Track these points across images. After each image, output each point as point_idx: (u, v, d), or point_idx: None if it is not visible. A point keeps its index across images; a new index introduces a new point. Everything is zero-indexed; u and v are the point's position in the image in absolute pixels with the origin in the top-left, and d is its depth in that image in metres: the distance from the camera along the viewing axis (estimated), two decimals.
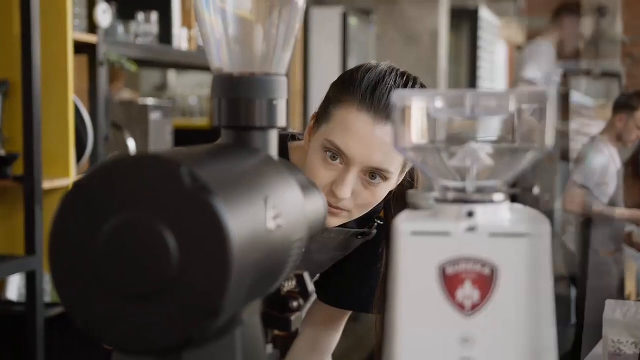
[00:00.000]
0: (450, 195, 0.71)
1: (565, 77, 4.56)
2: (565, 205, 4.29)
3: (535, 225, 0.68)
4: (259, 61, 0.83)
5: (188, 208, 0.61)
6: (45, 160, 2.45)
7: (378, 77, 1.25)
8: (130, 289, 0.61)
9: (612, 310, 1.99)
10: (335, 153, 1.24)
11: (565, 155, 4.80)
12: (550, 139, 0.70)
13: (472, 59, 7.28)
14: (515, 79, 4.52)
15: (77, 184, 0.63)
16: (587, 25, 4.68)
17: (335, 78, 1.35)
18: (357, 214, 1.30)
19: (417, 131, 0.72)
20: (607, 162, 4.33)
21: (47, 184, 2.44)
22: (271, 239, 0.69)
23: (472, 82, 7.31)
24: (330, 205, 1.25)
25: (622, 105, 4.34)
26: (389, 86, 1.24)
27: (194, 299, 0.60)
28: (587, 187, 4.25)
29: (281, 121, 0.83)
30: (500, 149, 0.72)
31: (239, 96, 0.81)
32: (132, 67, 2.76)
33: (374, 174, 1.25)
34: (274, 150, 0.83)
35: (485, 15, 7.38)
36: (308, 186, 0.86)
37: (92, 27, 2.67)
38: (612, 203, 4.31)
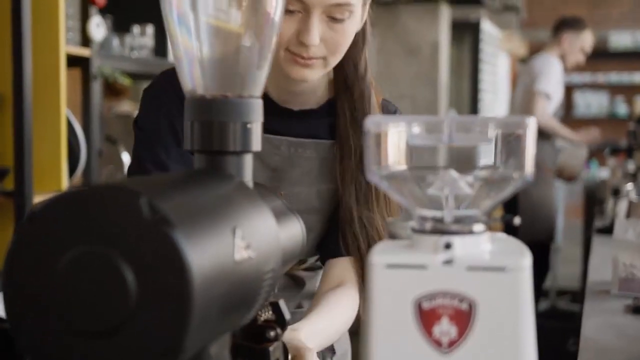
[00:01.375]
0: (428, 225, 0.68)
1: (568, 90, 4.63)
2: (535, 115, 4.37)
3: (516, 258, 0.65)
4: (232, 83, 0.80)
5: (147, 241, 0.58)
6: (36, 175, 2.42)
7: None
8: (85, 324, 0.58)
9: (623, 229, 1.87)
10: (291, 2, 1.19)
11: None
12: (530, 168, 0.67)
13: (473, 71, 7.26)
14: (526, 89, 4.49)
15: (33, 213, 0.60)
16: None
17: None
18: (333, 61, 1.25)
19: (392, 158, 0.69)
20: (561, 76, 4.45)
21: (38, 199, 2.41)
22: (240, 270, 0.66)
23: (474, 94, 7.28)
24: (301, 56, 1.22)
25: (569, 25, 4.43)
26: None
27: (152, 337, 0.57)
28: (550, 98, 4.36)
29: (256, 145, 0.80)
30: (480, 177, 0.68)
31: (212, 119, 0.78)
32: (126, 81, 2.73)
33: (337, 11, 1.20)
34: (248, 175, 0.80)
35: (487, 27, 7.36)
36: (284, 212, 0.83)
37: (86, 41, 2.65)
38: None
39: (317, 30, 1.20)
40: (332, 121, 1.34)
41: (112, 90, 3.63)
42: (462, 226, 0.67)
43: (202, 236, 0.61)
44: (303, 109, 1.35)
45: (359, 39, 1.31)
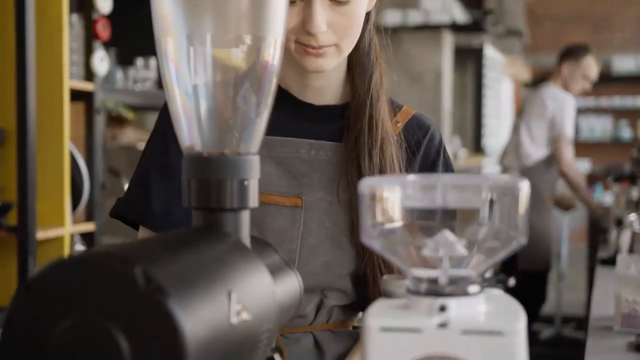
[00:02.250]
0: (423, 286, 0.68)
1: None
2: (564, 166, 4.36)
3: (511, 321, 0.65)
4: (230, 140, 0.81)
5: (142, 310, 0.58)
6: (40, 209, 2.43)
7: None
8: None
9: (625, 265, 1.85)
10: None
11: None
12: (524, 231, 0.67)
13: (477, 96, 7.28)
14: (549, 134, 4.47)
15: (29, 283, 0.61)
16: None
17: None
18: (347, 46, 1.19)
19: (386, 219, 0.69)
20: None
21: (41, 234, 2.41)
22: (236, 333, 0.66)
23: (477, 120, 7.29)
24: (312, 46, 1.16)
25: (568, 54, 4.46)
26: None
27: None
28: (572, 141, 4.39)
29: (253, 202, 0.81)
30: (474, 238, 0.69)
31: (209, 177, 0.79)
32: (129, 115, 2.75)
33: None
34: (245, 231, 0.80)
35: (490, 53, 7.39)
36: (280, 267, 0.83)
37: (90, 75, 2.67)
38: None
39: (321, 17, 1.14)
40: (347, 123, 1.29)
41: (116, 118, 3.65)
42: (457, 288, 0.67)
43: (197, 303, 0.61)
44: (323, 104, 1.29)
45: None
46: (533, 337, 5.07)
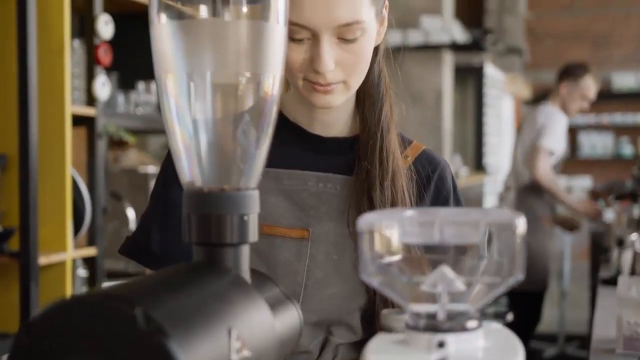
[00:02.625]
0: (421, 322, 0.69)
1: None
2: (536, 174, 4.32)
3: (510, 357, 0.65)
4: (230, 175, 0.82)
5: (142, 351, 0.59)
6: (41, 235, 2.43)
7: None
8: None
9: (626, 286, 1.84)
10: (296, 31, 1.12)
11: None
12: (521, 267, 0.67)
13: (478, 115, 7.29)
14: (531, 143, 4.50)
15: (29, 324, 0.61)
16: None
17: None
18: (355, 82, 1.19)
19: (384, 255, 0.70)
20: (565, 129, 4.46)
21: (43, 260, 2.42)
22: None
23: (478, 138, 7.31)
24: (319, 84, 1.16)
25: (567, 74, 4.46)
26: None
27: None
28: (553, 154, 4.36)
29: (253, 236, 0.81)
30: (473, 274, 0.69)
31: (210, 212, 0.79)
32: (130, 139, 2.76)
33: (347, 32, 1.13)
34: (245, 266, 0.80)
35: (490, 71, 7.41)
36: (280, 300, 0.84)
37: (91, 100, 2.68)
38: (554, 170, 4.47)
39: (329, 55, 1.13)
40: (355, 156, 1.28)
41: (119, 141, 3.66)
42: (456, 323, 0.68)
43: (197, 342, 0.62)
44: (332, 136, 1.29)
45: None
46: (536, 356, 5.05)
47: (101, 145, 2.68)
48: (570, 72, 4.50)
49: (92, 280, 2.71)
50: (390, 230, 0.70)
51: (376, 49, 1.25)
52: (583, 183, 9.89)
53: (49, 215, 2.48)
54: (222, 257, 0.79)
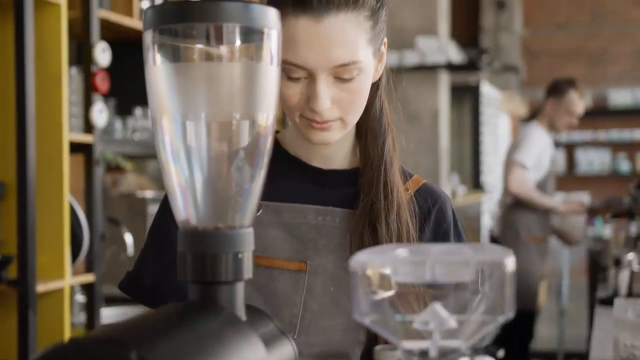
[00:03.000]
0: (414, 359, 0.70)
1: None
2: (509, 187, 4.33)
3: None
4: (225, 213, 0.83)
5: None
6: (39, 262, 2.44)
7: None
8: None
9: (623, 309, 1.83)
10: (292, 70, 1.13)
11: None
12: (510, 306, 0.68)
13: (474, 133, 7.32)
14: (507, 159, 4.55)
15: None
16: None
17: None
18: (352, 119, 1.19)
19: (377, 294, 0.71)
20: (545, 145, 4.45)
21: (41, 287, 2.42)
22: None
23: (475, 156, 7.33)
24: (316, 121, 1.16)
25: (551, 90, 4.48)
26: None
27: None
28: (527, 168, 4.35)
29: (247, 273, 0.82)
30: (464, 311, 0.70)
31: (205, 250, 0.80)
32: (128, 166, 2.77)
33: (344, 72, 1.13)
34: (239, 303, 0.81)
35: (487, 90, 7.44)
36: (275, 336, 0.85)
37: (89, 126, 2.69)
38: (540, 187, 4.44)
39: (325, 94, 1.14)
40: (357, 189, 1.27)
41: (117, 165, 3.67)
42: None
43: None
44: (332, 168, 1.29)
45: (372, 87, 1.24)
46: None
47: (99, 172, 2.69)
48: (555, 89, 4.51)
49: (90, 306, 2.71)
50: (383, 269, 0.71)
51: (377, 83, 1.26)
52: (581, 199, 9.89)
53: (47, 242, 2.49)
54: (217, 295, 0.80)
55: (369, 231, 1.23)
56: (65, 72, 2.52)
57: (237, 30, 0.79)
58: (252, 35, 0.81)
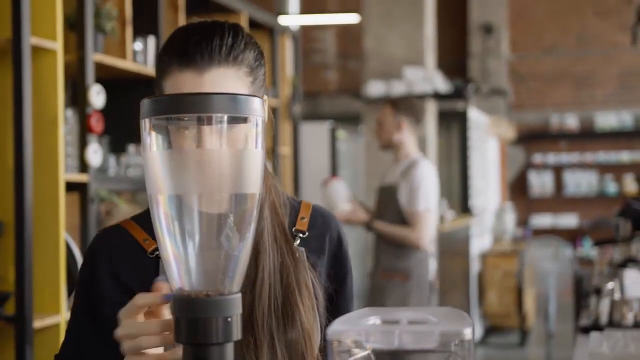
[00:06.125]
0: None
1: None
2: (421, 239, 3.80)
3: None
4: (214, 281, 0.92)
5: None
6: (36, 298, 2.52)
7: (187, 31, 1.22)
8: None
9: (598, 343, 1.90)
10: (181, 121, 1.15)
11: None
12: None
13: (462, 158, 7.41)
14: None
15: None
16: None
17: None
18: None
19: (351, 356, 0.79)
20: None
21: (38, 323, 2.50)
22: None
23: (464, 180, 7.42)
24: None
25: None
26: (202, 31, 1.21)
27: None
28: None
29: (237, 335, 0.91)
30: None
31: (197, 316, 0.89)
32: (121, 203, 2.86)
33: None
34: None
35: (474, 115, 7.55)
36: None
37: (84, 166, 2.78)
38: None
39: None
40: None
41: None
42: None
43: None
44: None
45: None
46: None
47: (93, 209, 2.78)
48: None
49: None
50: (356, 338, 0.80)
51: None
52: (569, 221, 10.03)
53: (44, 279, 2.57)
54: (209, 356, 0.89)
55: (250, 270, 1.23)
56: (61, 114, 2.61)
57: (225, 119, 0.88)
58: (239, 122, 0.90)
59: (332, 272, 1.35)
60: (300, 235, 1.31)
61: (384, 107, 4.02)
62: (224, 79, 1.20)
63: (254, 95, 0.91)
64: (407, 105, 3.94)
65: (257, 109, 0.90)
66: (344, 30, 9.72)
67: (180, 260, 0.91)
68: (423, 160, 3.93)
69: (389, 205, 3.85)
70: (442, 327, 0.79)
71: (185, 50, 1.19)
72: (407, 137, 3.94)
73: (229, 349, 0.90)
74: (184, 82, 1.19)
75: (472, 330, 0.78)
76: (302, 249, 1.30)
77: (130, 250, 1.27)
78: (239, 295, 0.92)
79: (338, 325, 0.81)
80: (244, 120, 0.90)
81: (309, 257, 1.30)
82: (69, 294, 2.67)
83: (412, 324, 0.81)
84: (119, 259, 1.26)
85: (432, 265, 4.00)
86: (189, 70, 1.18)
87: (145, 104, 0.89)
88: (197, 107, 0.88)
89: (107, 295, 1.24)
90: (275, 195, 1.31)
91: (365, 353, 0.80)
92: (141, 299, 1.00)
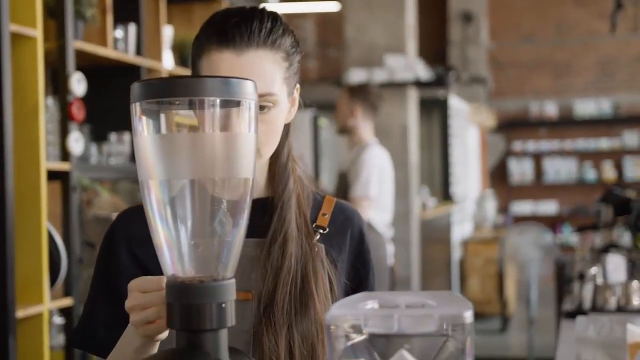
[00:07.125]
0: None
1: None
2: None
3: None
4: (208, 267, 0.91)
5: None
6: (18, 288, 2.49)
7: (226, 13, 1.23)
8: None
9: (584, 327, 1.91)
10: None
11: None
12: (472, 354, 0.76)
13: (443, 146, 7.43)
14: None
15: None
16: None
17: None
18: (266, 152, 1.25)
19: (349, 348, 0.78)
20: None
21: (20, 313, 2.47)
22: None
23: (445, 168, 7.44)
24: None
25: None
26: (242, 14, 1.22)
27: None
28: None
29: (230, 321, 0.90)
30: (429, 358, 0.78)
31: (190, 302, 0.88)
32: (104, 192, 2.83)
33: (260, 101, 1.14)
34: (223, 348, 0.89)
35: (455, 103, 7.56)
36: None
37: (65, 154, 2.75)
38: None
39: None
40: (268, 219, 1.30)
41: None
42: None
43: None
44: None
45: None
46: None
47: (75, 198, 2.75)
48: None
49: (68, 328, 2.76)
50: (355, 322, 0.79)
51: (287, 129, 1.32)
52: (549, 208, 10.09)
53: (26, 268, 2.54)
54: (203, 342, 0.88)
55: (262, 260, 1.26)
56: (42, 102, 2.58)
57: (218, 103, 0.87)
58: (231, 106, 0.89)
59: (355, 269, 1.35)
60: (321, 231, 1.31)
61: (341, 92, 4.14)
62: (262, 61, 1.21)
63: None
64: (362, 92, 4.03)
65: (250, 92, 0.89)
66: (323, 19, 9.70)
67: (173, 247, 0.90)
68: (372, 147, 3.99)
69: (341, 191, 3.90)
70: (441, 310, 0.78)
71: (224, 30, 1.20)
72: (360, 123, 4.00)
73: (223, 334, 0.89)
74: (222, 61, 1.20)
75: (471, 314, 0.77)
76: (322, 245, 1.30)
77: (149, 230, 1.24)
78: (233, 281, 0.91)
79: (336, 310, 0.80)
80: (237, 104, 0.89)
81: (329, 253, 1.31)
82: (52, 283, 2.64)
83: (411, 307, 0.80)
84: (137, 239, 1.25)
85: (390, 250, 4.08)
86: (228, 51, 1.19)
87: (135, 87, 0.88)
88: (188, 90, 0.86)
89: (125, 272, 1.24)
90: (301, 187, 1.32)
91: (362, 337, 0.80)
92: (151, 282, 1.00)
